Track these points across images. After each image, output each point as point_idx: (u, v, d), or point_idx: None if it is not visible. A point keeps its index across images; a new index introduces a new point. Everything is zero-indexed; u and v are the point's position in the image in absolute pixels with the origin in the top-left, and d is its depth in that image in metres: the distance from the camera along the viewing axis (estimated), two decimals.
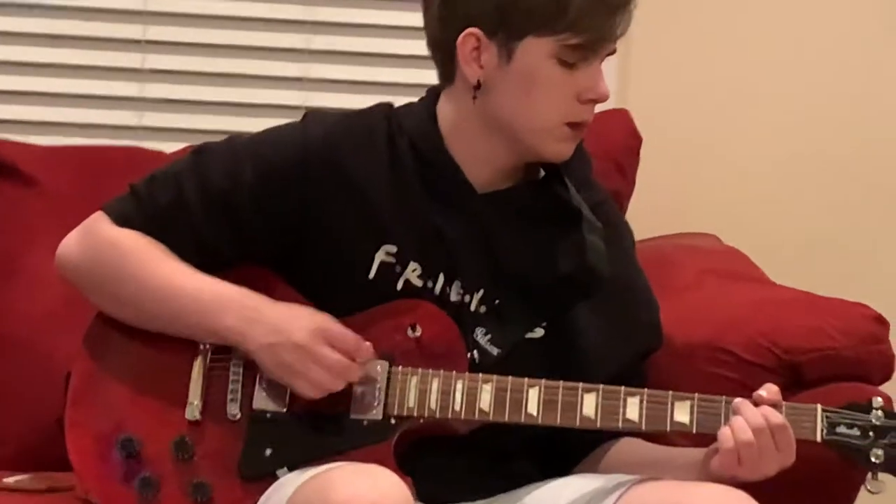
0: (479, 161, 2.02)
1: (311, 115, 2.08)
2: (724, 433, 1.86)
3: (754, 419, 1.86)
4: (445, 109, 2.03)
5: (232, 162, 2.02)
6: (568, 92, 1.96)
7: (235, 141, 2.06)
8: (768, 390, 1.90)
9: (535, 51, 1.94)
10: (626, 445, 2.06)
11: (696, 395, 1.91)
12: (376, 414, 1.94)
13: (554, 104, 1.96)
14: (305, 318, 1.94)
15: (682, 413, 1.90)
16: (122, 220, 2.04)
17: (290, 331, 1.93)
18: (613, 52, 1.98)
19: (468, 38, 1.96)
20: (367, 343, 1.94)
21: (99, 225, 2.05)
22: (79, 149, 2.72)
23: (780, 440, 1.86)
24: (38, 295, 2.49)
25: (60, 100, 2.89)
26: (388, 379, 1.95)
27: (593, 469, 2.05)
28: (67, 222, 2.11)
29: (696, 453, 1.94)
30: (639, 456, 2.04)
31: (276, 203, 2.00)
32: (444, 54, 2.00)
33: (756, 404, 1.88)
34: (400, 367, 1.96)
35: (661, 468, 1.97)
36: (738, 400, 1.89)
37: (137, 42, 2.90)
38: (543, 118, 1.97)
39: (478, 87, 1.97)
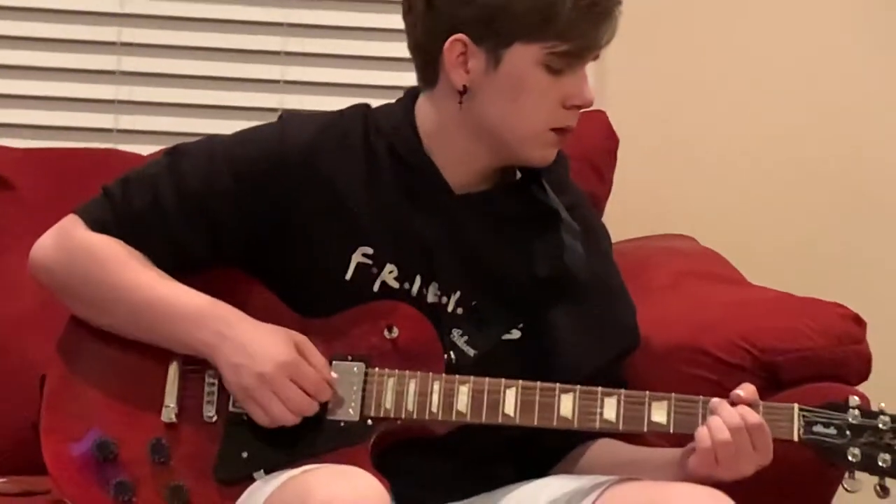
0: (458, 163, 2.02)
1: (288, 116, 2.08)
2: (701, 433, 1.86)
3: (731, 419, 1.86)
4: (425, 112, 2.03)
5: (207, 164, 2.01)
6: (554, 98, 1.96)
7: (211, 142, 2.05)
8: (745, 390, 1.90)
9: (523, 57, 1.94)
10: (603, 446, 2.06)
11: (674, 395, 1.91)
12: (353, 415, 1.94)
13: (540, 110, 1.97)
14: (276, 346, 1.93)
15: (659, 413, 1.90)
16: (96, 225, 2.03)
17: (258, 357, 1.92)
18: (597, 57, 1.99)
19: (455, 44, 1.96)
20: (329, 388, 1.93)
21: (73, 229, 2.03)
22: (54, 151, 2.71)
23: (757, 440, 1.86)
24: (13, 297, 2.49)
25: (35, 102, 2.89)
26: (365, 380, 1.95)
27: (571, 470, 2.05)
28: (43, 225, 2.10)
29: (673, 453, 1.95)
30: (616, 456, 2.04)
31: (252, 205, 2.00)
32: (426, 58, 2.00)
33: (733, 404, 1.88)
34: (377, 369, 1.95)
35: (638, 468, 1.97)
36: (714, 400, 1.89)
37: (113, 44, 2.90)
38: (529, 124, 1.97)
39: (464, 91, 1.97)
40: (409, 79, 2.06)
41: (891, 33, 3.01)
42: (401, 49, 2.07)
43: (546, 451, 2.07)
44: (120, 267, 1.99)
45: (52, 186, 2.59)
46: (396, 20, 2.05)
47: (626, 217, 2.69)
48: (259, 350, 1.92)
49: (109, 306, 2.00)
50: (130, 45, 2.90)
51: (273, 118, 2.10)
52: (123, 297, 1.98)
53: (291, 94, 2.92)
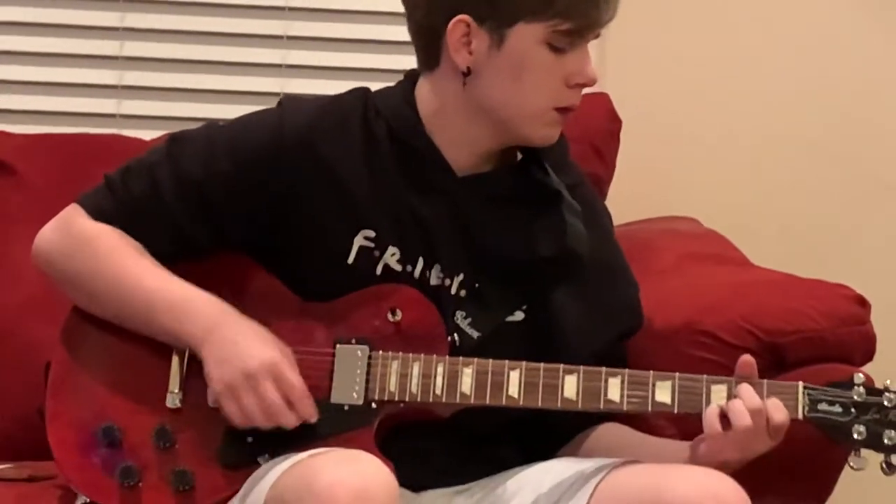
0: (460, 145, 2.02)
1: (287, 101, 2.08)
2: (711, 420, 1.86)
3: (752, 401, 1.86)
4: (426, 94, 2.03)
5: (207, 150, 2.01)
6: (557, 77, 1.96)
7: (211, 129, 2.05)
8: (744, 361, 1.90)
9: (526, 37, 1.94)
10: (608, 430, 2.06)
11: (677, 374, 1.91)
12: (357, 399, 1.94)
13: (543, 89, 1.97)
14: (263, 347, 1.92)
15: (663, 393, 1.90)
16: (97, 214, 2.03)
17: (243, 355, 1.91)
18: (598, 35, 1.99)
19: (458, 25, 1.96)
20: (310, 400, 1.92)
21: (75, 219, 2.04)
22: (57, 137, 2.71)
23: (759, 423, 1.86)
24: (17, 284, 2.49)
25: (38, 88, 2.88)
26: (369, 364, 1.95)
27: (575, 453, 2.06)
28: (46, 211, 2.10)
29: (680, 446, 1.94)
30: (620, 440, 2.04)
31: (252, 190, 2.00)
32: (428, 40, 2.00)
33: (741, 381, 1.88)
34: (380, 352, 1.95)
35: (644, 451, 1.97)
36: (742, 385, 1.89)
37: (115, 29, 2.89)
38: (533, 103, 1.97)
39: (467, 73, 1.97)
40: (410, 62, 2.06)
41: None
42: (402, 32, 2.06)
43: (551, 434, 2.07)
44: (116, 257, 2.00)
45: (55, 172, 2.59)
46: (396, 3, 2.04)
47: (628, 199, 2.69)
48: (244, 349, 1.92)
49: (104, 297, 2.00)
50: (133, 30, 2.90)
51: (275, 102, 2.10)
52: (118, 287, 1.98)
53: (293, 79, 2.92)
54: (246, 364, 1.91)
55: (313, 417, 1.92)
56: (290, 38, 2.93)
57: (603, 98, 2.76)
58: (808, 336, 2.18)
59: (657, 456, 1.94)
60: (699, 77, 2.97)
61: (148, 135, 2.67)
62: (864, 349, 2.20)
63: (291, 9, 2.93)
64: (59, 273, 2.04)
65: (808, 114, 2.99)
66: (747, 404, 1.86)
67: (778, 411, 1.86)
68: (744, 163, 2.98)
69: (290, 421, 1.91)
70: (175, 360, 1.98)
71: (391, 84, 2.09)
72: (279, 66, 2.92)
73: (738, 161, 2.98)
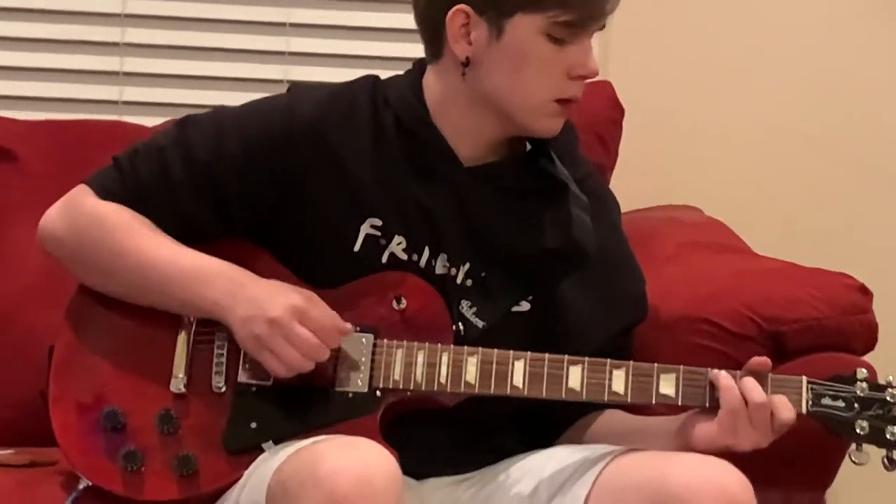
0: (466, 135, 2.02)
1: (296, 87, 2.08)
2: (732, 399, 1.86)
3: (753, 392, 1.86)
4: (432, 83, 2.03)
5: (216, 135, 2.01)
6: (558, 68, 1.96)
7: (220, 113, 2.05)
8: (760, 362, 1.90)
9: (525, 28, 1.94)
10: (610, 416, 2.07)
11: (682, 367, 1.91)
12: (362, 387, 1.94)
13: (544, 81, 1.96)
14: (285, 294, 1.93)
15: (667, 385, 1.90)
16: (105, 194, 2.03)
17: (267, 306, 1.91)
18: (602, 27, 1.98)
19: (457, 15, 1.95)
20: (346, 325, 1.93)
21: (82, 198, 2.04)
22: (58, 123, 2.70)
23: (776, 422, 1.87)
24: (18, 269, 2.48)
25: (40, 74, 2.88)
26: (374, 352, 1.95)
27: (577, 440, 2.06)
28: (47, 197, 2.10)
29: (677, 420, 1.94)
30: (622, 426, 2.04)
31: (260, 176, 2.00)
32: (431, 30, 2.00)
33: (749, 372, 1.88)
34: (385, 340, 1.96)
35: (644, 437, 1.97)
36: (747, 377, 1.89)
37: (117, 16, 2.89)
38: (533, 95, 1.97)
39: (466, 63, 1.97)
40: (416, 50, 2.06)
41: None
42: (406, 20, 2.06)
43: (552, 421, 2.08)
44: (129, 233, 2.00)
45: (57, 159, 2.58)
46: None
47: (631, 187, 2.68)
48: (268, 300, 1.92)
49: (120, 273, 2.00)
50: (135, 16, 2.89)
51: (278, 90, 2.10)
52: (133, 262, 1.98)
53: (296, 66, 2.92)
54: (269, 314, 1.90)
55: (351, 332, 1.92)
56: (292, 25, 2.92)
57: (606, 86, 2.76)
58: (810, 324, 2.18)
59: (659, 440, 1.94)
60: (702, 65, 2.97)
61: (150, 121, 2.67)
62: (866, 338, 2.21)
63: None
64: (68, 252, 2.04)
65: (811, 103, 2.99)
66: (749, 397, 1.86)
67: (785, 409, 1.86)
68: (746, 151, 2.98)
69: (325, 356, 1.91)
70: (180, 344, 1.99)
71: (395, 72, 2.09)
72: (282, 53, 2.92)
73: (740, 149, 2.98)
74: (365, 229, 2.00)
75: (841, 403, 1.89)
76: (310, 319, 1.91)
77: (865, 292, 2.23)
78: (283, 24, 2.92)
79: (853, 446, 1.88)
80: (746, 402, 1.86)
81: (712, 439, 1.87)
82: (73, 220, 2.03)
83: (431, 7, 1.98)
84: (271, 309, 1.91)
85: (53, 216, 2.05)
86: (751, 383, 1.87)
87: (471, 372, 1.93)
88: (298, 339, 1.90)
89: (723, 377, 1.88)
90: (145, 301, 2.00)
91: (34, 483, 2.09)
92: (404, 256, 2.00)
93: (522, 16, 1.93)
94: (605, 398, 1.91)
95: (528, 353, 1.92)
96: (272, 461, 1.86)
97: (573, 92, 1.99)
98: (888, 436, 1.87)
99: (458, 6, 1.95)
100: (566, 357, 1.92)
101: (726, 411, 1.86)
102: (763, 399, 1.86)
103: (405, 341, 1.95)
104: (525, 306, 2.03)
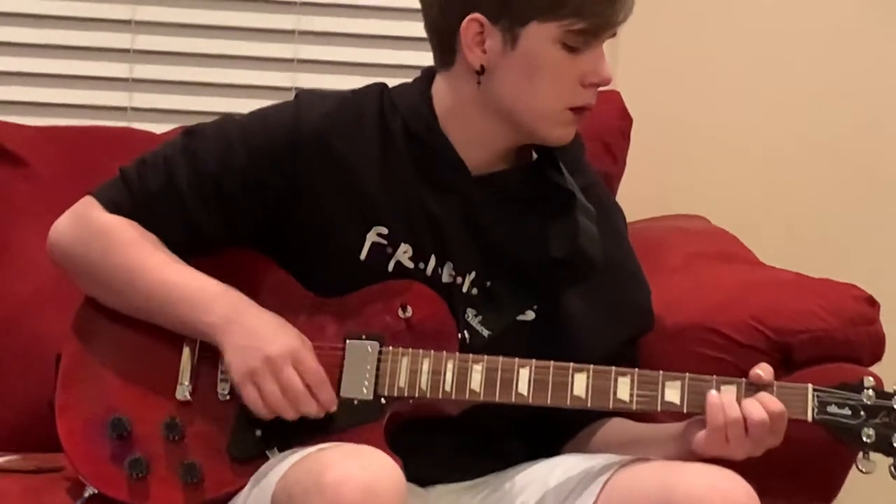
0: (475, 143, 2.02)
1: (304, 95, 2.07)
2: (714, 413, 1.86)
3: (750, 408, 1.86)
4: (442, 92, 2.03)
5: (223, 145, 2.01)
6: (571, 76, 1.96)
7: (226, 122, 2.05)
8: (764, 370, 1.90)
9: (540, 36, 1.94)
10: (615, 424, 2.06)
11: (687, 374, 1.91)
12: (367, 394, 1.94)
13: (558, 89, 1.97)
14: (284, 336, 1.93)
15: (672, 393, 1.90)
16: (112, 206, 2.03)
17: (266, 341, 1.91)
18: (614, 35, 1.99)
19: (471, 24, 1.96)
20: (329, 388, 1.92)
21: (90, 212, 2.04)
22: (68, 129, 2.71)
23: (775, 425, 1.86)
24: (27, 275, 2.49)
25: (50, 81, 2.88)
26: (379, 359, 1.95)
27: (582, 448, 2.06)
28: (56, 203, 2.10)
29: (679, 427, 1.94)
30: (627, 434, 2.04)
31: (268, 185, 2.00)
32: (443, 38, 2.00)
33: (752, 384, 1.88)
34: (390, 348, 1.96)
35: (649, 445, 1.97)
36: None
37: (127, 23, 2.89)
38: (547, 103, 1.97)
39: (481, 71, 1.97)
40: (425, 58, 2.06)
41: None
42: (415, 28, 2.06)
43: (558, 429, 2.07)
44: (133, 249, 2.00)
45: (66, 165, 2.59)
46: None
47: (638, 197, 2.69)
48: (267, 336, 1.92)
49: (122, 289, 2.00)
50: (144, 23, 2.89)
51: (286, 97, 2.10)
52: (135, 279, 1.98)
53: (305, 73, 2.92)
54: (267, 350, 1.91)
55: (333, 405, 1.92)
56: (301, 32, 2.93)
57: (614, 95, 2.76)
58: (817, 335, 2.18)
59: (664, 449, 1.94)
60: (710, 75, 2.97)
61: (159, 128, 2.67)
62: (873, 349, 2.20)
63: (303, 3, 2.92)
64: (75, 265, 2.04)
65: (819, 113, 2.99)
66: (725, 413, 1.85)
67: (756, 411, 1.85)
68: (753, 161, 2.98)
69: (311, 408, 1.91)
70: (185, 352, 1.99)
71: (403, 80, 2.09)
72: (291, 60, 2.92)
73: (747, 160, 2.98)
74: (371, 237, 2.00)
75: (847, 411, 1.88)
76: (304, 368, 1.91)
77: (873, 303, 2.23)
78: (291, 32, 2.92)
79: (860, 455, 1.88)
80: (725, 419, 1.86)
81: (708, 448, 1.87)
82: (81, 234, 2.03)
83: (445, 16, 1.98)
84: (270, 345, 1.91)
85: (61, 228, 2.06)
86: (728, 399, 1.87)
87: (476, 379, 1.93)
88: (288, 382, 1.90)
89: (710, 395, 1.88)
90: (145, 317, 2.00)
91: (40, 489, 2.09)
92: (410, 265, 2.00)
93: (537, 24, 1.94)
94: (611, 406, 1.91)
95: (533, 360, 1.92)
96: (277, 469, 1.86)
97: (587, 100, 1.99)
98: (895, 443, 1.87)
99: (473, 15, 1.95)
100: (571, 365, 1.92)
101: (709, 427, 1.87)
102: (737, 415, 1.85)
103: (410, 349, 1.95)
104: (530, 315, 2.03)
